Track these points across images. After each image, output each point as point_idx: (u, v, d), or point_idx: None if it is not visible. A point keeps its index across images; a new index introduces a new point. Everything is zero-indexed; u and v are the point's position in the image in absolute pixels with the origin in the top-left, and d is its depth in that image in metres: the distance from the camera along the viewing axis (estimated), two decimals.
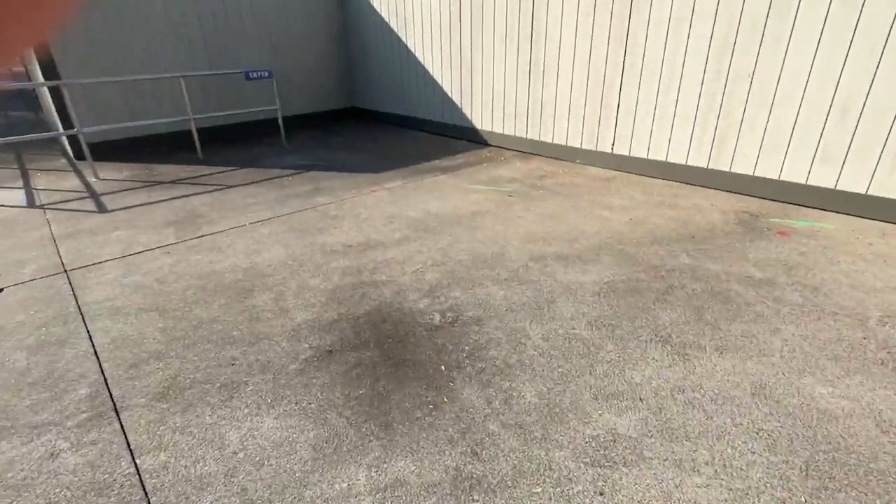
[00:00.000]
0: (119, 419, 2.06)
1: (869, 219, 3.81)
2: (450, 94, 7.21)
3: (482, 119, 6.87)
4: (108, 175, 5.82)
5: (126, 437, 1.96)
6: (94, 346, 2.56)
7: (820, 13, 3.69)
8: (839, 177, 3.90)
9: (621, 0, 4.82)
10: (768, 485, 1.67)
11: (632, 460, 1.78)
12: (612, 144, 5.37)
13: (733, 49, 4.21)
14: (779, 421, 1.94)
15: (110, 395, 2.21)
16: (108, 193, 5.15)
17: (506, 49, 6.14)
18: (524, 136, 6.34)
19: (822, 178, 3.98)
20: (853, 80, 3.66)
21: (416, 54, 7.52)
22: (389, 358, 2.41)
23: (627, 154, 5.25)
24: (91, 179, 5.63)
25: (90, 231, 4.12)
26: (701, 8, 4.30)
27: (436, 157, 6.36)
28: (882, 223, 3.74)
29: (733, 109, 4.33)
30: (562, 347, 2.44)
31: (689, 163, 4.77)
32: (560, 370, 2.28)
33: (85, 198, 5.04)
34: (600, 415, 2.00)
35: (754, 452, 1.80)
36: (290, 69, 8.33)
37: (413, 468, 1.78)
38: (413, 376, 2.27)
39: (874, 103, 3.60)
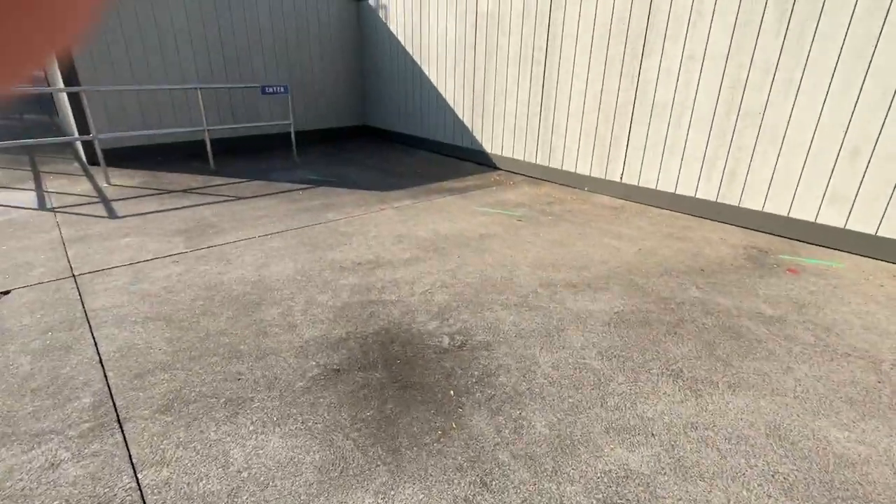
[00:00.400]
0: (122, 430, 2.03)
1: (879, 259, 3.81)
2: (461, 117, 7.31)
3: (492, 143, 6.94)
4: (119, 181, 5.86)
5: (128, 450, 1.93)
6: (99, 353, 2.54)
7: (832, 56, 3.76)
8: (849, 217, 3.91)
9: (635, 34, 4.92)
10: None
11: (645, 499, 1.74)
12: (622, 174, 5.41)
13: (744, 88, 4.27)
14: (794, 464, 1.90)
15: (114, 405, 2.17)
16: (120, 200, 5.18)
17: (518, 75, 6.25)
18: (534, 161, 6.40)
19: (832, 218, 4.00)
20: (864, 124, 3.70)
21: (430, 76, 7.65)
22: (397, 380, 2.38)
23: (636, 184, 5.29)
24: (103, 185, 5.67)
25: (100, 236, 4.13)
26: (713, 49, 4.39)
27: (445, 178, 6.41)
28: (892, 265, 3.73)
29: (744, 146, 4.38)
30: (572, 377, 2.41)
31: (699, 195, 4.80)
32: (570, 400, 2.24)
33: (96, 203, 5.06)
34: (612, 449, 1.97)
35: (770, 496, 1.76)
36: (305, 85, 8.47)
37: (421, 496, 1.74)
38: (421, 400, 2.24)
39: (885, 147, 3.64)
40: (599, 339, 2.74)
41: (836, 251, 4.00)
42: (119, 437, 1.99)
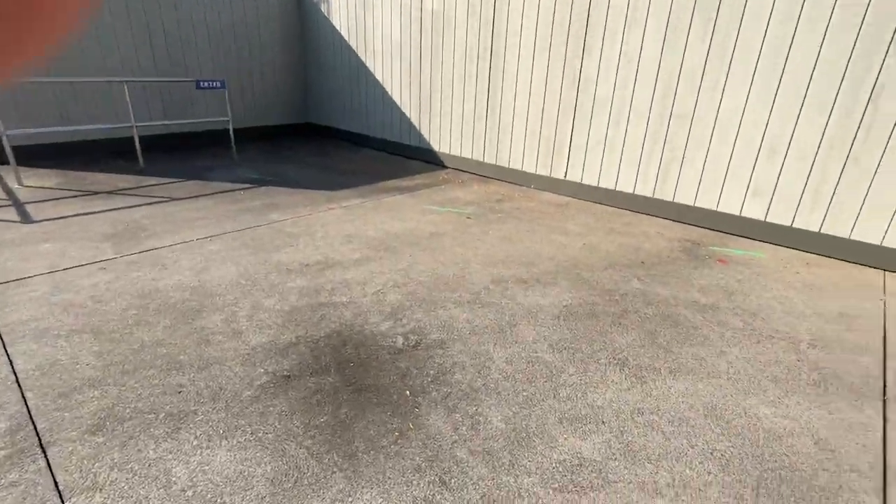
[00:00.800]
0: (45, 456, 1.84)
1: (795, 249, 4.18)
2: (408, 115, 7.27)
3: (440, 141, 6.95)
4: (34, 182, 5.34)
5: (53, 477, 1.76)
6: (15, 372, 2.29)
7: (752, 61, 4.07)
8: (768, 210, 4.26)
9: (575, 35, 5.10)
10: (725, 503, 1.75)
11: (598, 484, 1.81)
12: (566, 171, 5.59)
13: (676, 90, 4.54)
14: (730, 441, 2.04)
15: (35, 428, 1.97)
16: (35, 202, 4.72)
17: (465, 73, 6.29)
18: (482, 159, 6.47)
19: (754, 211, 4.34)
20: (779, 124, 4.04)
21: (375, 73, 7.54)
22: (351, 383, 2.33)
23: (580, 181, 5.49)
24: (14, 186, 5.14)
25: (13, 243, 3.74)
26: (647, 52, 4.63)
27: (394, 176, 6.35)
28: (806, 253, 4.10)
29: (677, 145, 4.65)
30: (525, 371, 2.46)
31: (637, 192, 5.05)
32: (525, 394, 2.29)
33: (6, 206, 4.58)
34: (566, 439, 2.02)
35: (710, 473, 1.88)
36: (244, 80, 8.10)
37: (380, 501, 1.71)
38: (377, 402, 2.20)
39: (798, 146, 3.99)
40: (550, 332, 2.82)
41: (759, 242, 4.34)
42: (42, 462, 1.81)
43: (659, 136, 4.75)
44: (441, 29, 6.39)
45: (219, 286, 3.21)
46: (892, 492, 1.83)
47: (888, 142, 3.60)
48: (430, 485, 1.78)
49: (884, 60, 3.51)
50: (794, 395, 2.35)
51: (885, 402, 2.31)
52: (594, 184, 5.37)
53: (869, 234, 3.81)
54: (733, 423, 2.15)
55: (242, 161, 6.82)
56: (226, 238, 4.03)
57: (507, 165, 6.19)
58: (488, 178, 6.43)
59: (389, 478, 1.81)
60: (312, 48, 8.61)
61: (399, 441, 1.98)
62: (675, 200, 4.80)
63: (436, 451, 1.93)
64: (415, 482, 1.79)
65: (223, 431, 2.00)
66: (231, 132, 6.91)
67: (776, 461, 1.95)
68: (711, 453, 1.98)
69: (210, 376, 2.33)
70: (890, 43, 3.47)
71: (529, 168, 5.95)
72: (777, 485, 1.84)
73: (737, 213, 4.43)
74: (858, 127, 3.70)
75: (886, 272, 3.77)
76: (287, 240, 4.05)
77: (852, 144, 3.75)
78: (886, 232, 3.73)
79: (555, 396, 2.28)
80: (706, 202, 4.61)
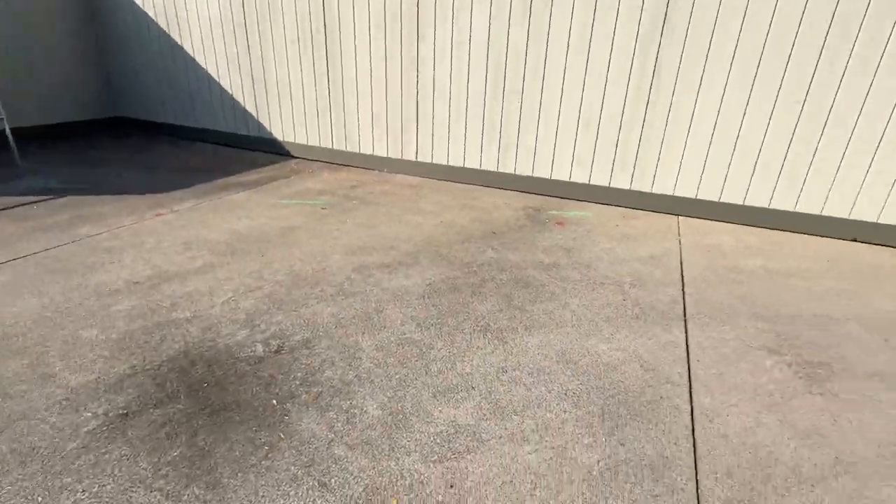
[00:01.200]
0: None
1: (614, 206, 4.87)
2: (242, 102, 6.65)
3: (283, 130, 6.52)
4: None
5: None
6: None
7: (563, 40, 4.55)
8: (591, 175, 4.88)
9: (408, 17, 5.14)
10: (579, 434, 1.99)
11: (473, 446, 1.91)
12: (416, 152, 5.69)
13: (505, 70, 4.88)
14: (579, 380, 2.33)
15: None
16: None
17: (300, 56, 5.95)
18: (330, 146, 6.24)
19: (580, 176, 4.93)
20: (590, 99, 4.62)
21: (196, 58, 6.71)
22: (207, 405, 2.10)
23: (431, 161, 5.63)
24: None
25: None
26: (476, 36, 4.88)
27: (234, 171, 5.79)
28: (622, 208, 4.81)
29: (511, 120, 5.03)
30: (397, 354, 2.48)
31: (483, 167, 5.36)
32: (398, 377, 2.31)
33: None
34: (441, 411, 2.10)
35: (566, 411, 2.12)
36: (18, 69, 6.55)
37: None
38: (240, 420, 2.02)
39: (607, 116, 4.61)
40: (416, 311, 2.87)
41: (587, 203, 4.96)
42: None
43: (495, 112, 5.08)
44: (267, 8, 5.91)
45: (15, 325, 2.60)
46: (696, 392, 2.27)
47: (670, 108, 4.36)
48: (310, 490, 1.70)
49: (660, 41, 4.21)
50: (622, 329, 2.76)
51: (685, 321, 2.85)
52: (444, 162, 5.56)
53: (665, 186, 4.61)
54: (580, 363, 2.45)
55: (32, 167, 5.57)
56: (18, 265, 3.27)
57: (357, 150, 6.07)
58: (340, 165, 6.24)
59: (263, 496, 1.68)
60: (113, 33, 7.31)
61: (270, 455, 1.85)
62: (517, 173, 5.22)
63: (311, 456, 1.85)
64: (292, 493, 1.69)
65: (43, 498, 1.64)
66: (8, 132, 5.56)
67: (614, 388, 2.28)
68: (565, 394, 2.23)
69: (14, 437, 1.89)
70: (663, 24, 4.16)
71: (380, 151, 5.92)
72: (617, 408, 2.15)
73: (567, 179, 5.00)
74: (649, 96, 4.41)
75: (679, 217, 4.62)
76: (106, 256, 3.44)
77: (646, 111, 4.46)
78: (676, 183, 4.55)
79: (427, 373, 2.34)
80: (542, 172, 5.10)
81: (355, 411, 2.08)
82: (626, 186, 4.76)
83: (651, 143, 4.53)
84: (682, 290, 3.24)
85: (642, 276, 3.40)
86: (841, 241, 4.12)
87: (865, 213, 4.00)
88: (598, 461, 1.87)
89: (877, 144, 3.82)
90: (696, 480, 1.81)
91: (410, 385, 2.25)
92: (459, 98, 5.20)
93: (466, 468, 1.82)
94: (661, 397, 2.23)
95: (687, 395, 2.25)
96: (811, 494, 1.77)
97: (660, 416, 2.12)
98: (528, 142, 5.04)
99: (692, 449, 1.95)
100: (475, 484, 1.75)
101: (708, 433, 2.03)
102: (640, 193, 4.73)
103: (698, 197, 4.53)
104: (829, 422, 2.12)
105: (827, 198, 4.09)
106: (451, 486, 1.74)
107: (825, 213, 4.12)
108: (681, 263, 3.64)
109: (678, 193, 4.59)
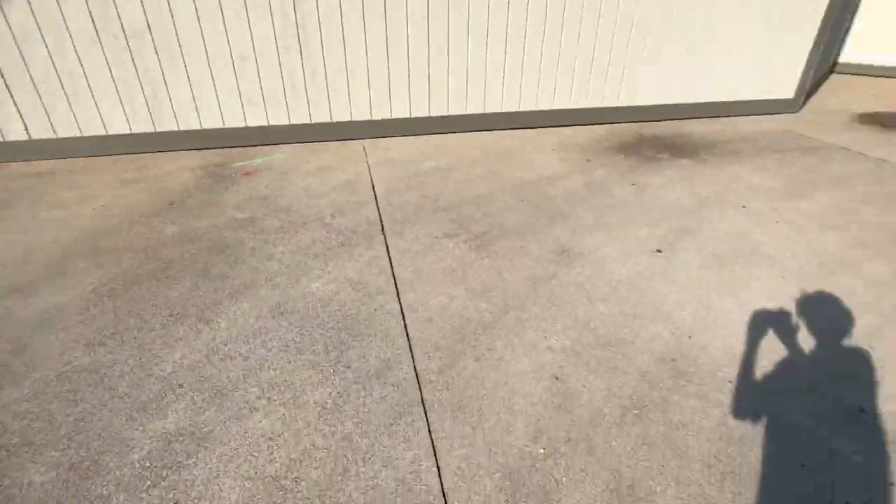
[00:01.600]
0: None
1: (302, 142, 4.74)
2: None
3: None
4: None
5: None
6: None
7: None
8: (267, 115, 4.57)
9: None
10: (307, 378, 1.97)
11: (193, 450, 1.67)
12: (26, 131, 4.21)
13: (115, 5, 3.89)
14: (298, 326, 2.27)
15: None
16: None
17: None
18: None
19: (257, 119, 4.56)
20: (240, 36, 4.16)
21: None
22: None
23: (54, 136, 4.28)
24: None
25: None
26: None
27: None
28: (313, 143, 4.73)
29: (150, 70, 4.16)
30: (60, 395, 1.91)
31: (135, 131, 4.39)
32: (70, 420, 1.79)
33: None
34: (143, 430, 1.74)
35: (290, 362, 2.05)
36: None
37: None
38: None
39: (259, 52, 4.26)
40: (82, 329, 2.25)
41: (276, 145, 4.68)
42: None
43: (125, 63, 4.09)
44: None
45: None
46: (402, 293, 2.51)
47: (320, 34, 4.31)
48: None
49: None
50: (331, 261, 2.79)
51: (384, 233, 3.07)
52: (75, 134, 4.30)
53: (342, 113, 4.69)
54: (297, 309, 2.38)
55: None
56: None
57: None
58: None
59: None
60: None
61: None
62: (181, 128, 4.46)
63: None
64: None
65: None
66: None
67: (334, 318, 2.31)
68: (287, 346, 2.15)
69: None
70: None
71: None
72: (339, 336, 2.20)
73: (243, 124, 4.56)
74: (297, 24, 4.24)
75: (364, 140, 4.84)
76: None
77: (299, 40, 4.31)
78: (352, 109, 4.69)
79: (113, 396, 1.89)
80: (212, 122, 4.50)
81: (17, 490, 1.54)
82: (306, 120, 4.66)
83: (315, 71, 4.46)
84: (377, 205, 3.47)
85: (340, 205, 3.48)
86: (487, 132, 5.07)
87: (496, 107, 4.99)
88: (330, 393, 1.90)
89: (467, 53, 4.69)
90: (414, 366, 2.04)
91: (90, 421, 1.79)
92: (63, 50, 3.95)
93: (190, 476, 1.59)
94: (375, 309, 2.39)
95: (395, 298, 2.47)
96: (490, 333, 2.22)
97: (377, 326, 2.27)
98: (178, 89, 4.29)
99: (407, 342, 2.17)
100: (204, 488, 1.55)
101: (416, 322, 2.29)
102: (323, 124, 4.71)
103: (374, 118, 4.80)
104: (496, 276, 2.66)
105: (478, 99, 4.90)
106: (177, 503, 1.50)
107: (478, 111, 4.97)
108: (372, 182, 3.86)
109: (356, 118, 4.76)
